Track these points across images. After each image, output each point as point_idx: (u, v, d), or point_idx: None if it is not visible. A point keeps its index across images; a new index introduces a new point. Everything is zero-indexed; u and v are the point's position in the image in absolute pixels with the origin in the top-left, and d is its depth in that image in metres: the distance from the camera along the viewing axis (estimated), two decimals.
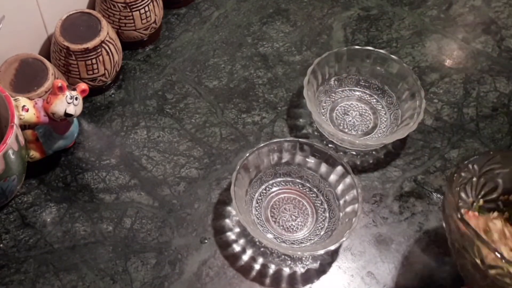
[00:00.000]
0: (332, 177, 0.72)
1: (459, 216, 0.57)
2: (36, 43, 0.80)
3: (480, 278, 0.57)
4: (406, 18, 0.93)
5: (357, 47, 0.81)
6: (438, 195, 0.74)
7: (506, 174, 0.65)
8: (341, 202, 0.70)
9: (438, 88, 0.85)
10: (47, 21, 0.79)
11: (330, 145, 0.78)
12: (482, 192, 0.66)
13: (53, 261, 0.68)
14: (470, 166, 0.64)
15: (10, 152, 0.63)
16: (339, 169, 0.71)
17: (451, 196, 0.60)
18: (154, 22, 0.84)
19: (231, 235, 0.71)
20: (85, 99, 0.72)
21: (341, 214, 0.70)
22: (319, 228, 0.71)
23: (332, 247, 0.65)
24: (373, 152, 0.78)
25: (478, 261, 0.56)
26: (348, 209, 0.69)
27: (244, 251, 0.70)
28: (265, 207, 0.73)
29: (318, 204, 0.73)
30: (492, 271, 0.55)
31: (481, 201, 0.66)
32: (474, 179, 0.65)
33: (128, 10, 0.80)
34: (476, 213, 0.64)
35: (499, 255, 0.54)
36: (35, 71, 0.73)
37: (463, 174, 0.63)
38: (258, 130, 0.80)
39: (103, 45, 0.76)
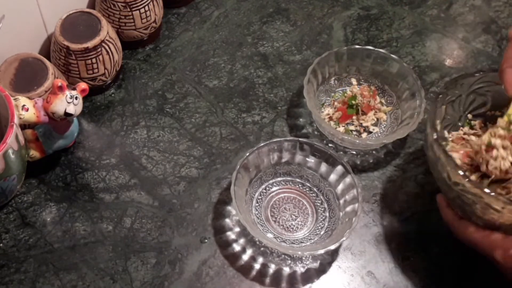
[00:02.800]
0: (332, 177, 0.72)
1: (434, 136, 0.62)
2: (36, 43, 0.80)
3: (448, 191, 0.62)
4: (406, 18, 0.93)
5: (357, 46, 0.81)
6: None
7: (495, 91, 0.68)
8: (341, 201, 0.70)
9: (438, 87, 0.84)
10: (47, 20, 0.79)
11: (330, 145, 0.78)
12: (471, 108, 0.71)
13: (53, 260, 0.68)
14: (459, 84, 0.68)
15: (10, 151, 0.63)
16: (339, 168, 0.71)
17: (433, 114, 0.65)
18: (154, 21, 0.84)
19: (231, 235, 0.71)
20: (85, 99, 0.72)
21: (341, 213, 0.70)
22: (319, 227, 0.71)
23: (332, 247, 0.65)
24: (373, 152, 0.78)
25: (445, 176, 0.61)
26: (348, 208, 0.69)
27: (244, 250, 0.70)
28: (265, 206, 0.73)
29: (318, 204, 0.73)
30: (456, 187, 0.59)
31: (469, 116, 0.71)
32: (463, 95, 0.69)
33: (128, 9, 0.80)
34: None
35: (461, 174, 0.58)
36: (35, 70, 0.73)
37: (450, 92, 0.68)
38: (258, 130, 0.80)
39: (103, 44, 0.76)
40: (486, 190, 0.57)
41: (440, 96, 0.66)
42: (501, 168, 0.60)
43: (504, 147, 0.61)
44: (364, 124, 0.79)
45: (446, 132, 0.70)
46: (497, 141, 0.61)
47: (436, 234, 0.71)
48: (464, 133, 0.71)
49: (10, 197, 0.71)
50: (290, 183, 0.75)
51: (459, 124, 0.71)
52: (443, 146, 0.61)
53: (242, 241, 0.70)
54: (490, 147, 0.61)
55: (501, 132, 0.61)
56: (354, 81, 0.83)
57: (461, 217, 0.63)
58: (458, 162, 0.65)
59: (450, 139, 0.70)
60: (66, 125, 0.71)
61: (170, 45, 0.88)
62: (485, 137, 0.62)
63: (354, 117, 0.79)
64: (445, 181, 0.61)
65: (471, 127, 0.71)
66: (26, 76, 0.72)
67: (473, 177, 0.63)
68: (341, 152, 0.78)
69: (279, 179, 0.75)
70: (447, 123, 0.70)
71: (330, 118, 0.79)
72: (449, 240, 0.70)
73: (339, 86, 0.83)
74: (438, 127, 0.65)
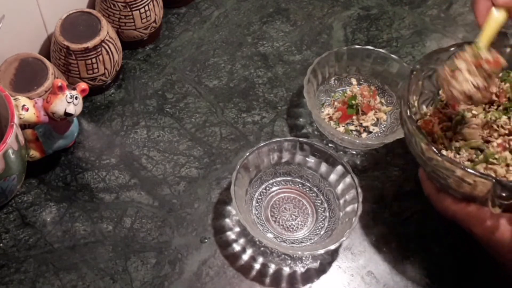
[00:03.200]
0: (332, 177, 0.72)
1: (408, 113, 0.62)
2: (36, 43, 0.80)
3: (424, 165, 0.63)
4: (406, 18, 0.93)
5: (357, 46, 0.81)
6: None
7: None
8: (341, 201, 0.70)
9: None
10: (47, 20, 0.79)
11: (330, 145, 0.78)
12: None
13: (53, 260, 0.68)
14: (434, 59, 0.67)
15: (10, 151, 0.63)
16: (339, 168, 0.71)
17: (406, 91, 0.64)
18: (154, 21, 0.84)
19: (231, 235, 0.71)
20: (85, 99, 0.72)
21: (341, 213, 0.70)
22: (319, 227, 0.71)
23: (332, 247, 0.65)
24: (373, 152, 0.78)
25: (419, 151, 0.61)
26: (348, 208, 0.69)
27: (244, 250, 0.70)
28: (265, 206, 0.73)
29: (318, 204, 0.73)
30: (430, 162, 0.60)
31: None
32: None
33: (128, 9, 0.80)
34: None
35: (435, 151, 0.59)
36: (35, 70, 0.73)
37: (425, 68, 0.67)
38: (258, 130, 0.80)
39: (103, 44, 0.76)
40: (458, 164, 0.58)
41: (414, 72, 0.66)
42: (464, 92, 0.60)
43: (469, 72, 0.61)
44: (364, 124, 0.79)
45: (424, 107, 0.70)
46: (462, 65, 0.61)
47: (436, 234, 0.71)
48: (441, 107, 0.70)
49: (10, 197, 0.71)
50: (290, 183, 0.75)
51: (438, 97, 0.70)
52: (416, 122, 0.62)
53: (242, 241, 0.70)
54: (454, 71, 0.61)
55: (467, 56, 0.62)
56: (354, 81, 0.83)
57: (440, 190, 0.64)
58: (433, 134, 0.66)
59: (429, 113, 0.69)
60: (66, 125, 0.71)
61: (170, 45, 0.88)
62: (451, 61, 0.62)
63: (354, 117, 0.79)
64: (420, 156, 0.62)
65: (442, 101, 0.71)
66: (26, 76, 0.72)
67: (446, 152, 0.64)
68: (341, 152, 0.78)
69: (279, 179, 0.75)
70: (425, 98, 0.69)
71: (330, 118, 0.79)
72: (449, 240, 0.71)
73: (339, 86, 0.83)
74: (413, 103, 0.65)
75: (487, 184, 0.56)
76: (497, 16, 0.63)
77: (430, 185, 0.65)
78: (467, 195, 0.60)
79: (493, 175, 0.61)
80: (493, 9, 0.64)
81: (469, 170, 0.57)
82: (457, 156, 0.64)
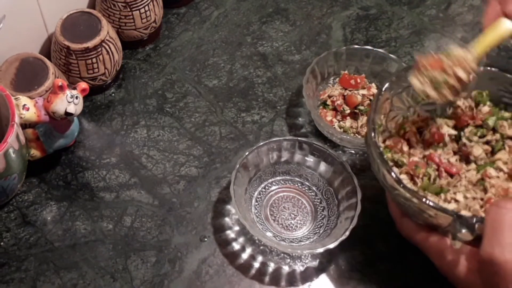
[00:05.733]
0: (331, 176, 0.72)
1: (372, 137, 0.61)
2: (36, 43, 0.81)
3: (387, 190, 0.62)
4: (405, 18, 0.93)
5: (356, 46, 0.82)
6: None
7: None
8: (340, 200, 0.71)
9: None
10: (48, 20, 0.79)
11: (329, 144, 0.78)
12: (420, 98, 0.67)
13: (54, 259, 0.68)
14: (405, 76, 0.64)
15: (11, 151, 0.63)
16: (338, 167, 0.71)
17: (373, 112, 0.63)
18: (154, 21, 0.84)
19: (231, 234, 0.71)
20: (85, 98, 0.72)
21: (340, 212, 0.70)
22: (318, 226, 0.71)
23: (331, 246, 0.65)
24: None
25: (381, 177, 0.60)
26: (347, 207, 0.69)
27: (244, 249, 0.70)
28: (264, 205, 0.73)
29: (317, 203, 0.73)
30: (392, 191, 0.59)
31: (417, 108, 0.68)
32: (411, 88, 0.65)
33: (128, 9, 0.80)
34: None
35: (395, 179, 0.58)
36: (36, 70, 0.73)
37: (394, 86, 0.65)
38: (257, 129, 0.80)
39: (103, 44, 0.76)
40: (419, 197, 0.56)
41: (382, 93, 0.64)
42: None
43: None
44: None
45: (393, 124, 0.67)
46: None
47: None
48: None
49: (11, 196, 0.71)
50: (289, 182, 0.75)
51: (408, 114, 0.68)
52: (379, 148, 0.60)
53: (241, 239, 0.71)
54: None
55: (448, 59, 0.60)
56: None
57: (403, 214, 0.63)
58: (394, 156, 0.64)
59: (394, 130, 0.68)
60: (67, 125, 0.72)
61: (170, 45, 0.88)
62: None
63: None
64: (382, 182, 0.61)
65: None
66: (27, 75, 0.73)
67: (407, 182, 0.62)
68: (340, 151, 0.78)
69: (278, 178, 0.75)
70: (395, 115, 0.67)
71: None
72: None
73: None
74: (380, 122, 0.64)
75: (448, 218, 0.55)
76: (502, 27, 0.60)
77: (395, 208, 0.64)
78: (430, 223, 0.59)
79: (457, 204, 0.60)
80: (502, 18, 0.60)
81: (429, 203, 0.56)
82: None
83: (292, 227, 0.71)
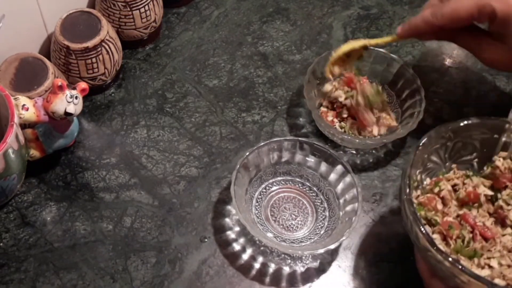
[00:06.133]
0: (332, 176, 0.72)
1: (407, 194, 0.59)
2: (36, 42, 0.80)
3: (418, 249, 0.60)
4: (406, 17, 0.93)
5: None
6: None
7: (484, 139, 0.65)
8: (341, 201, 0.70)
9: (438, 87, 0.85)
10: (47, 20, 0.79)
11: (330, 144, 0.78)
12: (457, 155, 0.67)
13: (53, 260, 0.68)
14: (444, 131, 0.64)
15: (10, 151, 0.63)
16: (339, 168, 0.71)
17: (409, 168, 0.61)
18: (154, 21, 0.84)
19: (231, 234, 0.71)
20: (85, 98, 0.72)
21: (341, 213, 0.70)
22: (319, 227, 0.71)
23: (332, 246, 0.65)
24: (373, 151, 0.78)
25: (414, 237, 0.58)
26: (348, 208, 0.69)
27: (244, 250, 0.70)
28: (265, 206, 0.73)
29: (318, 203, 0.73)
30: (424, 251, 0.57)
31: (453, 165, 0.67)
32: (449, 143, 0.65)
33: (128, 9, 0.80)
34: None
35: (430, 243, 0.56)
36: (35, 70, 0.73)
37: (433, 141, 0.64)
38: (258, 129, 0.80)
39: (103, 44, 0.76)
40: (452, 262, 0.55)
41: (420, 147, 0.63)
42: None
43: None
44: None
45: (428, 180, 0.66)
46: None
47: None
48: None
49: (10, 197, 0.71)
50: (290, 182, 0.75)
51: (443, 171, 0.67)
52: (414, 207, 0.58)
53: (242, 240, 0.70)
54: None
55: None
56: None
57: (433, 274, 0.61)
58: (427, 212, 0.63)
59: (428, 187, 0.66)
60: (66, 125, 0.71)
61: (170, 44, 0.88)
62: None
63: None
64: (414, 241, 0.59)
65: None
66: (26, 75, 0.72)
67: (439, 243, 0.61)
68: (341, 152, 0.78)
69: (279, 178, 0.75)
70: (429, 171, 0.66)
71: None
72: None
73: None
74: (415, 178, 0.63)
75: (481, 286, 0.54)
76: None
77: (425, 267, 0.62)
78: (460, 287, 0.57)
79: (491, 271, 0.58)
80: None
81: (464, 269, 0.54)
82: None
83: (292, 227, 0.71)
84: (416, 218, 0.57)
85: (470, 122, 0.65)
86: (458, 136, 0.65)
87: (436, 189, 0.65)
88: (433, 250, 0.55)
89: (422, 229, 0.56)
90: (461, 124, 0.65)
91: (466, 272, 0.54)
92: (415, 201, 0.62)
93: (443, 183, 0.65)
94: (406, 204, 0.59)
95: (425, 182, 0.66)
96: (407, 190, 0.59)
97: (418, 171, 0.64)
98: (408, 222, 0.59)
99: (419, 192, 0.65)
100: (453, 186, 0.66)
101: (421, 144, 0.63)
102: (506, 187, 0.64)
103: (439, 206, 0.63)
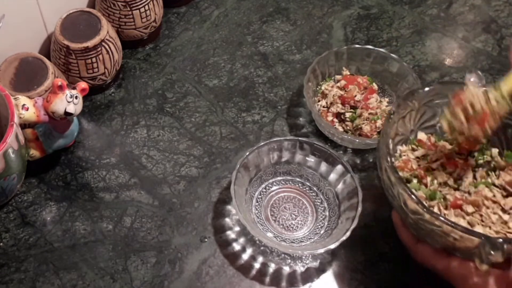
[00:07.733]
0: (332, 176, 0.72)
1: (389, 162, 0.59)
2: (36, 42, 0.80)
3: (404, 216, 0.60)
4: (406, 17, 0.93)
5: (357, 46, 0.81)
6: None
7: (445, 103, 0.65)
8: (341, 200, 0.70)
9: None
10: (47, 20, 0.79)
11: (330, 144, 0.78)
12: (421, 121, 0.69)
13: (53, 260, 0.68)
14: (409, 100, 0.66)
15: (10, 151, 0.63)
16: (339, 168, 0.71)
17: (386, 136, 0.63)
18: (154, 21, 0.84)
19: (231, 234, 0.71)
20: (85, 98, 0.72)
21: (341, 212, 0.70)
22: (319, 227, 0.71)
23: (332, 246, 0.65)
24: (373, 151, 0.78)
25: (401, 203, 0.59)
26: (348, 207, 0.69)
27: (244, 250, 0.70)
28: (265, 206, 0.73)
29: (318, 203, 0.73)
30: (414, 215, 0.58)
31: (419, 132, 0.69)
32: (413, 111, 0.67)
33: (128, 9, 0.80)
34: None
35: (418, 204, 0.56)
36: (35, 70, 0.73)
37: (401, 109, 0.66)
38: (258, 129, 0.80)
39: (103, 44, 0.76)
40: (445, 219, 0.55)
41: (392, 115, 0.64)
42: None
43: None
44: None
45: (399, 148, 0.68)
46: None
47: None
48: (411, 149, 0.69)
49: (10, 197, 0.71)
50: (290, 182, 0.75)
51: (410, 138, 0.69)
52: (399, 174, 0.59)
53: (242, 240, 0.70)
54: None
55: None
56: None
57: (417, 240, 0.61)
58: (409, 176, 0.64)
59: (403, 155, 0.67)
60: (66, 125, 0.71)
61: (170, 44, 0.88)
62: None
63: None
64: (401, 207, 0.59)
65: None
66: (26, 75, 0.72)
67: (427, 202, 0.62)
68: (341, 152, 0.78)
69: (279, 178, 0.75)
70: (399, 139, 0.68)
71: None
72: None
73: None
74: (391, 148, 0.64)
75: (475, 240, 0.54)
76: None
77: (407, 233, 0.62)
78: (449, 246, 0.58)
79: (482, 225, 0.59)
80: None
81: (458, 226, 0.54)
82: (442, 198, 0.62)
83: (292, 227, 0.71)
84: (402, 182, 0.58)
85: (431, 87, 0.66)
86: (422, 103, 0.67)
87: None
88: (423, 211, 0.56)
89: (410, 192, 0.57)
90: (425, 89, 0.66)
91: (458, 228, 0.54)
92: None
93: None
94: (389, 171, 0.59)
95: (397, 152, 0.68)
96: (388, 158, 0.60)
97: (390, 141, 0.65)
98: (394, 190, 0.59)
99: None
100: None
101: (392, 113, 0.64)
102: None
103: (414, 166, 0.65)
